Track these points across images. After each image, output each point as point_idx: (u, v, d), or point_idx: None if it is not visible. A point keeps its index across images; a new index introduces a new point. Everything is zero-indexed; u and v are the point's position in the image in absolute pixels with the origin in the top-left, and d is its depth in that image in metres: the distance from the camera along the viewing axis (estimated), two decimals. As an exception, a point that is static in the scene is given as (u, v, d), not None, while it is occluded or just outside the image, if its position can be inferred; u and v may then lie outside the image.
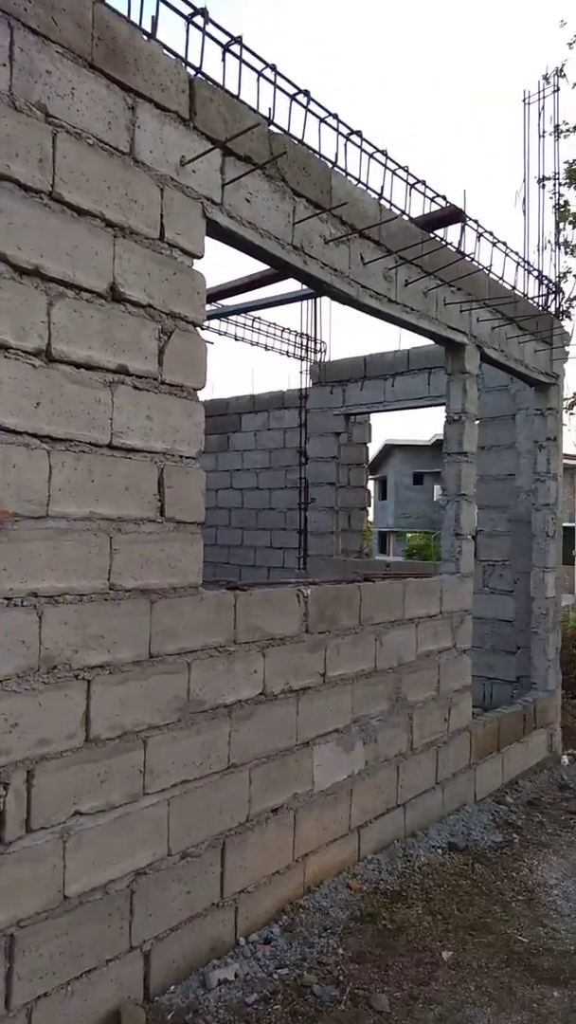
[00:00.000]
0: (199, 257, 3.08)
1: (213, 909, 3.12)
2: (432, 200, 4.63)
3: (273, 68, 3.48)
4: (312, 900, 3.61)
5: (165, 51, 2.95)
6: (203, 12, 3.11)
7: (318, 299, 8.12)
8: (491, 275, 5.32)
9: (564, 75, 8.71)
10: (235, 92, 3.30)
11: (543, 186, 8.86)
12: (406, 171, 4.38)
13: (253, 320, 7.89)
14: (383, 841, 4.26)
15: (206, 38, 3.16)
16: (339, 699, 3.90)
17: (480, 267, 5.09)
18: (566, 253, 8.57)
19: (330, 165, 3.86)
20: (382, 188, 4.23)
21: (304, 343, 8.33)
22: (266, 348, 8.07)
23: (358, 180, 4.06)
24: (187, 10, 3.07)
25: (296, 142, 3.63)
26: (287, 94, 3.62)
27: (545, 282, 6.50)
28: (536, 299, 6.27)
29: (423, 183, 4.50)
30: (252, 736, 3.33)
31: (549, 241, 8.76)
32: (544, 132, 8.53)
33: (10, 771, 2.36)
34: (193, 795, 3.02)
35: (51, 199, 2.51)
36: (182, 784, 2.97)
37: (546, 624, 6.42)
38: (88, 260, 2.62)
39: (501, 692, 6.92)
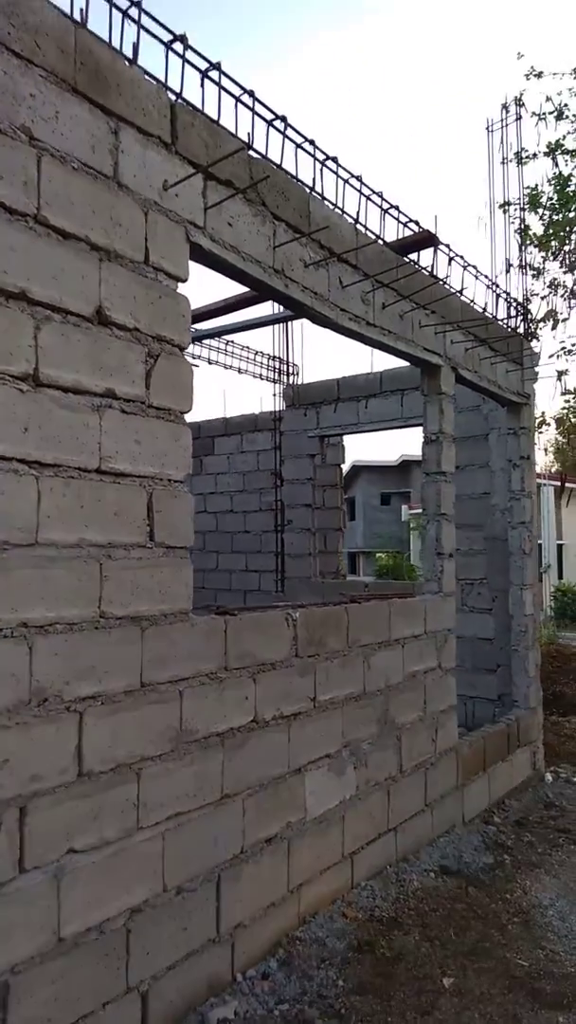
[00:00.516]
0: (183, 280, 3.06)
1: (210, 945, 3.03)
2: (405, 225, 4.70)
3: (251, 94, 3.51)
4: (308, 931, 3.52)
5: (147, 76, 2.96)
6: (182, 39, 3.13)
7: (290, 322, 8.18)
8: (463, 298, 5.41)
9: (523, 104, 8.98)
10: (215, 117, 3.33)
11: (505, 211, 9.12)
12: (380, 196, 4.44)
13: (227, 343, 7.91)
14: (375, 867, 4.19)
15: (185, 64, 3.18)
16: (329, 723, 3.86)
17: (453, 291, 5.16)
18: (533, 277, 8.77)
19: (308, 190, 3.89)
20: (358, 213, 4.28)
21: (277, 366, 8.36)
22: (239, 371, 8.09)
23: (335, 205, 4.10)
24: (167, 36, 3.09)
25: (275, 167, 3.66)
26: (264, 120, 3.65)
27: (514, 304, 6.63)
28: (506, 321, 6.39)
29: (396, 208, 4.57)
30: (245, 764, 3.26)
31: (512, 265, 8.98)
32: (505, 159, 8.80)
33: (2, 810, 2.27)
34: (187, 828, 2.94)
35: (36, 222, 2.48)
36: (176, 816, 2.89)
37: (526, 641, 6.45)
38: (74, 284, 2.59)
39: (483, 710, 6.92)
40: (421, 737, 4.69)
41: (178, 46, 3.13)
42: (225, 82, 3.39)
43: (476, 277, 5.64)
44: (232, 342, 7.97)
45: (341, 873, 3.90)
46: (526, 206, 9.58)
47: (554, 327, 8.30)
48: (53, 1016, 2.39)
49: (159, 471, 2.88)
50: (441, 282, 5.02)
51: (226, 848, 3.14)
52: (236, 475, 9.56)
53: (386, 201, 4.48)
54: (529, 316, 6.76)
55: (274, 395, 8.56)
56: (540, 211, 9.14)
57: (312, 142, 3.91)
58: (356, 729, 4.06)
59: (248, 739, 3.29)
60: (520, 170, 8.73)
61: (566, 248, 9.45)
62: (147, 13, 2.94)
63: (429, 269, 4.96)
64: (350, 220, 4.21)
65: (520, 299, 7.17)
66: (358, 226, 4.26)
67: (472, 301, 5.56)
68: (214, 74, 3.31)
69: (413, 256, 4.86)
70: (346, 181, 4.21)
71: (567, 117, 9.47)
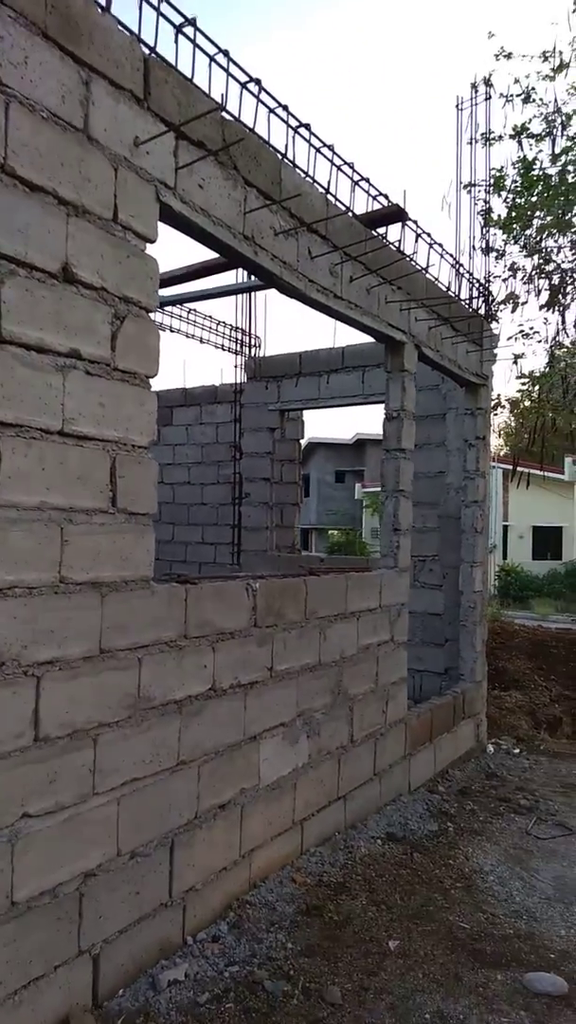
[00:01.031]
0: (152, 241, 2.99)
1: (162, 909, 3.05)
2: (375, 199, 4.67)
3: (226, 54, 3.43)
4: (258, 895, 3.58)
5: (120, 27, 2.86)
6: (158, -10, 3.03)
7: (254, 293, 8.09)
8: (428, 276, 5.42)
9: (492, 85, 8.98)
10: (189, 76, 3.24)
11: (469, 192, 9.14)
12: (351, 167, 4.40)
13: (188, 312, 7.79)
14: (325, 834, 4.28)
15: (160, 18, 3.08)
16: (285, 693, 3.89)
17: (419, 268, 5.17)
18: (495, 259, 8.84)
19: (280, 156, 3.84)
20: (329, 183, 4.24)
21: (239, 337, 8.27)
22: (201, 341, 7.98)
23: (306, 173, 4.05)
24: (141, -14, 2.99)
25: (248, 130, 3.58)
26: (239, 82, 3.57)
27: (476, 285, 6.68)
28: (468, 302, 6.44)
29: (367, 180, 4.54)
30: (201, 732, 3.28)
31: (475, 247, 9.03)
32: (473, 139, 8.80)
33: (-43, 773, 2.24)
34: (143, 793, 2.95)
35: (3, 172, 2.39)
36: (132, 782, 2.89)
37: (474, 617, 6.60)
38: (41, 238, 2.51)
39: (430, 683, 7.07)
40: (372, 708, 4.78)
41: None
42: (200, 40, 3.30)
43: (441, 256, 5.65)
44: (194, 311, 7.85)
45: (292, 839, 3.96)
46: (490, 188, 9.63)
47: (513, 310, 8.40)
48: (4, 978, 2.38)
49: (123, 436, 2.83)
50: (408, 258, 5.02)
51: (180, 814, 3.16)
52: (195, 447, 9.47)
53: (357, 173, 4.44)
54: (490, 298, 6.82)
55: (235, 367, 8.48)
56: (504, 194, 9.18)
57: (285, 107, 3.84)
58: (311, 699, 4.11)
59: (205, 707, 3.30)
60: (487, 151, 8.74)
61: (527, 232, 9.54)
62: (122, -41, 2.83)
63: (397, 244, 4.95)
64: (321, 190, 4.17)
65: (482, 281, 7.23)
66: (329, 196, 4.22)
67: (437, 280, 5.58)
68: (189, 31, 3.22)
69: (381, 231, 4.85)
70: (318, 150, 4.16)
71: (534, 100, 9.50)
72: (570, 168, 8.75)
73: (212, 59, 3.41)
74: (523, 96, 9.67)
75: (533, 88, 9.64)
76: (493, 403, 9.76)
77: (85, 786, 2.68)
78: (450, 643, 6.97)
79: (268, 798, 3.75)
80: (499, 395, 9.95)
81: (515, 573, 24.84)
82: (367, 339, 5.31)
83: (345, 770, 4.47)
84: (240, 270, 5.66)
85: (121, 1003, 2.76)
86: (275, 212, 3.76)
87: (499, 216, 8.81)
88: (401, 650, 5.16)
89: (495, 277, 8.59)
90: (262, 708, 3.70)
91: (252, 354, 8.50)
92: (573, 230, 8.97)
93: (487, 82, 9.08)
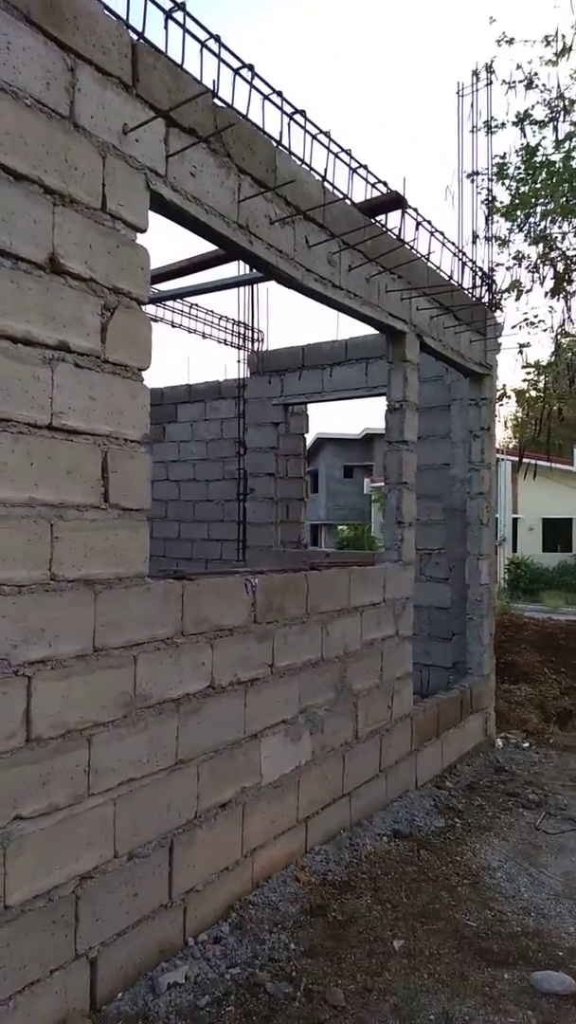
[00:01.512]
0: (143, 231, 2.93)
1: (161, 910, 3.01)
2: (373, 186, 4.59)
3: (217, 39, 3.36)
4: (261, 895, 3.53)
5: (107, 12, 2.79)
6: (145, -27, 2.96)
7: (256, 286, 8.02)
8: (430, 264, 5.34)
9: (494, 71, 8.86)
10: (179, 62, 3.17)
11: (473, 181, 9.02)
12: (348, 154, 4.32)
13: (190, 307, 7.73)
14: (330, 831, 4.22)
15: (148, 3, 3.01)
16: (287, 690, 3.84)
17: (419, 255, 5.09)
18: (499, 247, 8.72)
19: (275, 143, 3.76)
20: (325, 170, 4.16)
21: (242, 331, 8.21)
22: (203, 336, 7.92)
23: (302, 160, 3.98)
24: (128, -30, 2.92)
25: (241, 116, 3.52)
26: (231, 68, 3.50)
27: (479, 274, 6.58)
28: (471, 291, 6.35)
29: (365, 167, 4.46)
30: (200, 730, 3.22)
31: (479, 236, 8.91)
32: (476, 127, 8.68)
33: (-55, 776, 2.19)
34: (140, 793, 2.90)
35: (-15, 160, 2.33)
36: (128, 783, 2.84)
37: (481, 610, 6.52)
38: (26, 228, 2.45)
39: (438, 678, 7.00)
40: (377, 704, 4.71)
41: (140, -20, 2.96)
42: (191, 26, 3.23)
43: (443, 244, 5.57)
44: (196, 305, 7.79)
45: (295, 838, 3.91)
46: (493, 176, 9.51)
47: (517, 298, 8.29)
48: (-1, 983, 2.34)
49: (115, 429, 2.78)
50: (408, 246, 4.94)
51: (180, 814, 3.11)
52: (199, 443, 9.43)
53: (355, 160, 4.36)
54: (493, 286, 6.73)
55: (239, 362, 8.41)
56: (507, 182, 9.06)
57: (280, 93, 3.76)
58: (313, 695, 4.06)
59: (204, 705, 3.25)
60: (489, 139, 8.63)
61: (531, 220, 9.42)
62: None
63: (397, 232, 4.87)
64: (317, 177, 4.09)
65: (485, 269, 7.13)
66: (325, 184, 4.14)
67: (439, 268, 5.49)
68: (179, 16, 3.15)
69: (381, 219, 4.77)
70: (314, 136, 4.08)
71: (536, 87, 9.37)
72: (574, 154, 8.61)
73: (203, 45, 3.34)
74: (525, 82, 9.53)
75: (535, 73, 9.50)
76: (499, 393, 9.66)
77: (80, 787, 2.63)
78: (457, 637, 6.90)
79: (270, 796, 3.70)
80: (504, 385, 9.84)
81: (525, 566, 24.71)
82: (370, 331, 5.25)
83: (350, 766, 4.41)
84: (242, 263, 5.60)
85: (119, 1007, 2.72)
86: (270, 200, 3.69)
87: (501, 204, 8.69)
88: (406, 644, 5.09)
89: (499, 266, 8.48)
90: (263, 705, 3.65)
91: (255, 348, 8.43)
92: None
93: (489, 69, 8.96)
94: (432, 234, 5.38)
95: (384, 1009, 2.84)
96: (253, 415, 8.47)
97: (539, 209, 8.60)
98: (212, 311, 7.95)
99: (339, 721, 4.31)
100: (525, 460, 10.83)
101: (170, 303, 7.37)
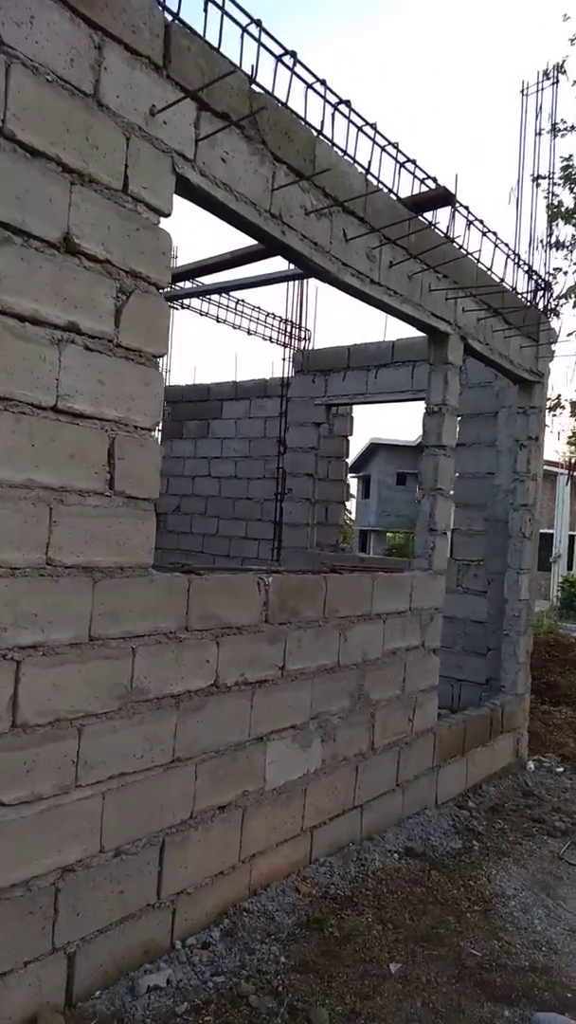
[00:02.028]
0: (166, 215, 2.87)
1: (148, 910, 2.93)
2: (422, 182, 4.44)
3: (258, 24, 3.27)
4: (257, 903, 3.43)
5: (138, -10, 2.74)
6: (183, -47, 2.90)
7: (304, 283, 7.93)
8: (479, 264, 5.16)
9: (564, 71, 8.58)
10: (215, 45, 3.10)
11: (537, 184, 8.74)
12: (396, 148, 4.19)
13: (236, 302, 7.69)
14: (337, 843, 4.09)
15: (186, -17, 2.96)
16: (298, 694, 3.73)
17: (467, 253, 4.91)
18: (556, 250, 8.43)
19: (315, 133, 3.66)
20: (369, 163, 4.03)
21: (288, 329, 8.13)
22: (248, 332, 7.87)
23: (344, 152, 3.87)
24: (165, -51, 2.86)
25: (279, 104, 3.43)
26: (273, 54, 3.41)
27: (535, 278, 6.35)
28: (525, 295, 6.12)
29: (413, 162, 4.32)
30: (201, 729, 3.14)
31: (541, 241, 8.63)
32: (541, 130, 8.41)
33: None
34: (132, 789, 2.83)
35: (1, 136, 2.30)
36: (120, 777, 2.77)
37: (518, 627, 6.28)
38: (40, 206, 2.41)
39: (470, 694, 6.78)
40: (397, 715, 4.56)
41: (177, -39, 2.91)
42: (230, 8, 3.16)
43: (496, 245, 5.37)
44: (242, 301, 7.76)
45: (299, 847, 3.79)
46: (560, 180, 9.21)
47: (575, 304, 7.98)
48: (-31, 971, 2.30)
49: (124, 416, 2.72)
50: (454, 242, 4.77)
51: (174, 813, 3.03)
52: (243, 440, 9.39)
53: (402, 154, 4.23)
54: (550, 290, 6.48)
55: (284, 360, 8.33)
56: (572, 187, 8.76)
57: (324, 82, 3.66)
58: (326, 702, 3.93)
59: (206, 703, 3.17)
60: (553, 142, 8.34)
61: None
62: None
63: (445, 232, 4.71)
64: (360, 170, 3.97)
65: (540, 273, 6.88)
66: (369, 177, 4.02)
67: (489, 269, 5.30)
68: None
69: (428, 217, 4.62)
70: (360, 128, 3.96)
71: (611, 87, 9.04)
72: None
73: (244, 29, 3.26)
74: (599, 83, 9.21)
75: (610, 74, 9.18)
76: (553, 403, 9.35)
77: (67, 777, 2.57)
78: (492, 653, 6.67)
79: (274, 802, 3.60)
80: (559, 395, 9.51)
81: (579, 585, 23.95)
82: (419, 333, 5.08)
83: (363, 778, 4.27)
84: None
85: (96, 1005, 2.65)
86: (307, 191, 3.59)
87: (566, 208, 8.39)
88: (432, 657, 4.92)
89: (558, 271, 8.19)
90: (271, 708, 3.55)
91: (301, 346, 8.34)
92: None
93: (560, 68, 8.68)
94: (484, 234, 5.20)
95: (370, 1036, 2.70)
96: (295, 414, 8.38)
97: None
98: (259, 307, 7.90)
99: (354, 731, 4.17)
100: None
101: (215, 298, 7.34)
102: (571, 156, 8.57)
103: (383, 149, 4.12)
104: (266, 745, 3.53)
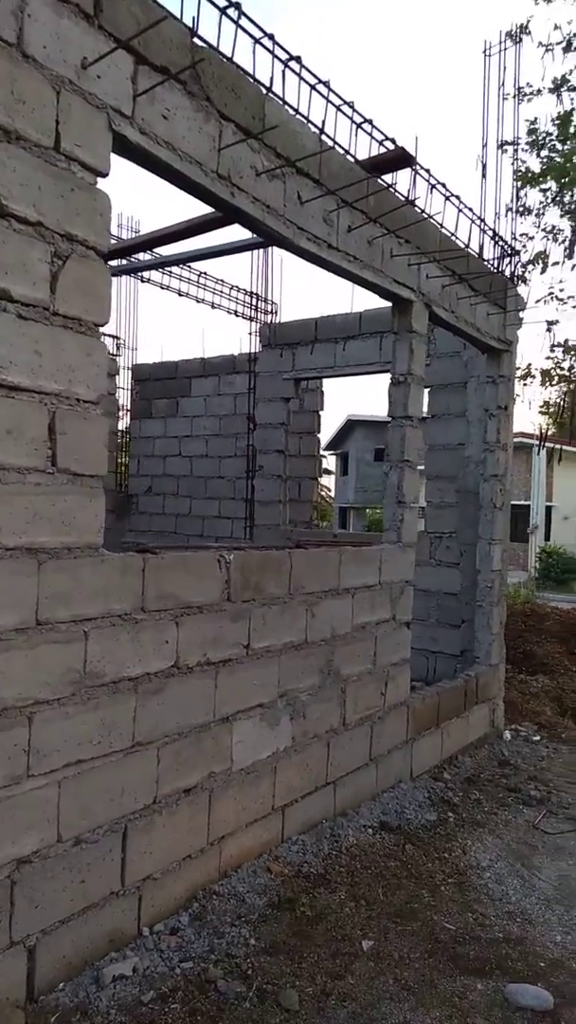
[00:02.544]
0: (103, 174, 2.72)
1: (112, 898, 2.85)
2: (380, 143, 4.29)
3: (199, -29, 3.11)
4: (228, 885, 3.37)
5: None
6: None
7: (268, 254, 7.76)
8: (442, 228, 5.03)
9: (529, 32, 8.42)
10: (153, -6, 2.93)
11: (503, 151, 8.59)
12: (351, 107, 4.04)
13: (199, 275, 7.50)
14: (310, 821, 4.04)
15: None
16: (264, 672, 3.64)
17: (428, 216, 4.78)
18: (524, 216, 8.32)
19: (264, 90, 3.50)
20: (323, 122, 3.88)
21: (253, 302, 7.96)
22: (212, 306, 7.70)
23: (296, 111, 3.71)
24: None
25: (225, 59, 3.27)
26: (216, 6, 3.24)
27: (500, 243, 6.23)
28: (491, 262, 6.01)
29: (370, 122, 4.17)
30: (162, 712, 3.05)
31: (509, 208, 8.51)
32: (503, 93, 8.24)
33: None
34: (90, 776, 2.74)
35: None
36: (76, 764, 2.68)
37: (491, 597, 6.24)
38: (-38, 164, 2.26)
39: (445, 666, 6.77)
40: (369, 690, 4.50)
41: None
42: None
43: (460, 210, 5.25)
44: (205, 274, 7.57)
45: (270, 826, 3.73)
46: (527, 147, 9.06)
47: (543, 270, 7.89)
48: None
49: (65, 388, 2.58)
50: (416, 207, 4.64)
51: (136, 798, 2.94)
52: (213, 418, 9.24)
53: (358, 113, 4.08)
54: (517, 256, 6.37)
55: (250, 334, 8.18)
56: (539, 152, 8.62)
57: (271, 37, 3.50)
58: (295, 679, 3.86)
59: (167, 685, 3.07)
60: (517, 106, 8.19)
61: (567, 195, 8.96)
62: None
63: (405, 195, 4.58)
64: (314, 129, 3.82)
65: (511, 240, 6.76)
66: (323, 137, 3.87)
67: (453, 234, 5.18)
68: None
69: (388, 179, 4.48)
70: (312, 87, 3.81)
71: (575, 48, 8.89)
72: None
73: (184, -22, 3.10)
74: (564, 44, 9.07)
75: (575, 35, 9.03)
76: (523, 372, 9.28)
77: (18, 767, 2.47)
78: (467, 624, 6.64)
79: (242, 783, 3.52)
80: (530, 364, 9.45)
81: (557, 555, 24.18)
82: (387, 304, 4.95)
83: (336, 754, 4.22)
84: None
85: (59, 998, 2.57)
86: (257, 151, 3.44)
87: (528, 171, 8.27)
88: (404, 630, 4.86)
89: (523, 235, 8.08)
90: (237, 688, 3.46)
91: (268, 320, 8.18)
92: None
93: (524, 29, 8.53)
94: (448, 198, 5.07)
95: (340, 1016, 2.65)
96: (263, 390, 8.24)
97: (572, 173, 8.16)
98: (222, 280, 7.72)
99: (324, 707, 4.11)
100: (548, 445, 10.43)
101: (177, 271, 7.15)
102: (536, 119, 8.42)
103: (338, 108, 3.97)
104: (232, 725, 3.45)
